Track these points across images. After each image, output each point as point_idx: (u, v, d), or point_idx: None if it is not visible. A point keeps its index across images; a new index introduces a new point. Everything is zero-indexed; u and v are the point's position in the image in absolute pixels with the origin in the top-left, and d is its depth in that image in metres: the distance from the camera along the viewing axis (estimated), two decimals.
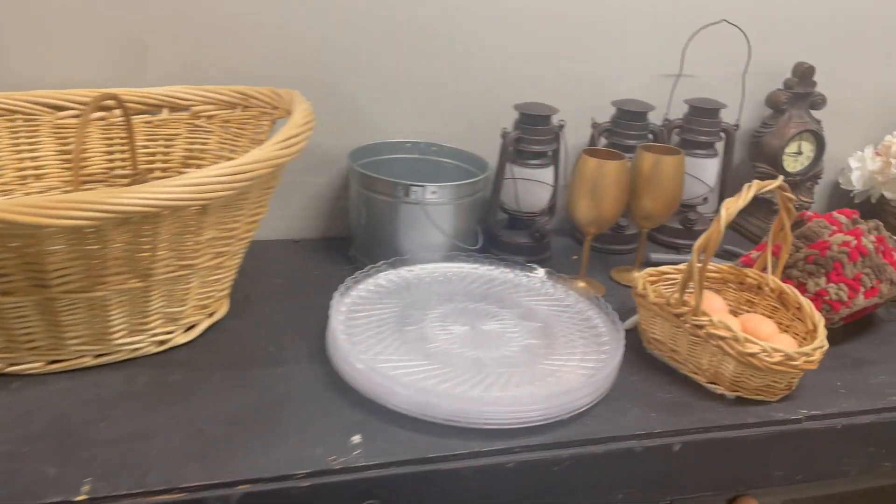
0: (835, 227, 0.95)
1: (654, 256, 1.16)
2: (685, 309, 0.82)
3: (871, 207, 1.36)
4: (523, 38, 1.15)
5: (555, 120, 1.10)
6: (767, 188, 0.82)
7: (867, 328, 1.01)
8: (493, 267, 1.01)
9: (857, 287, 0.91)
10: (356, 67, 1.09)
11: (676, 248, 1.22)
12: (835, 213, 0.97)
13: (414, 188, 0.98)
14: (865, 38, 1.32)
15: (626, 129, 1.15)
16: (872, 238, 0.94)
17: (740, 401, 0.82)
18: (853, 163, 1.35)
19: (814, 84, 1.24)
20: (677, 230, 1.23)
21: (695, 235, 1.19)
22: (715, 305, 0.93)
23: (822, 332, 0.83)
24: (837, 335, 0.96)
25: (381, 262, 0.97)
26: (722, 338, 0.80)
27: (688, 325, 0.82)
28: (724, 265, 0.97)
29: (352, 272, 0.93)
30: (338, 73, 1.09)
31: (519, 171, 1.09)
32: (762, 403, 0.82)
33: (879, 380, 0.89)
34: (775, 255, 0.94)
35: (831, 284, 0.92)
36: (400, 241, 1.02)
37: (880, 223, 0.98)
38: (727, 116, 1.21)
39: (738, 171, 1.34)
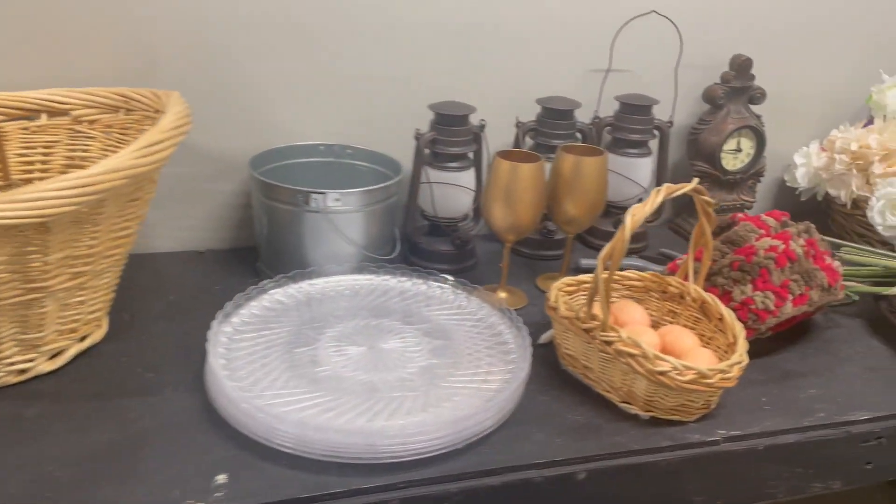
0: (762, 231, 0.90)
1: (585, 262, 1.10)
2: (594, 324, 0.76)
3: (818, 206, 1.31)
4: (444, 34, 1.08)
5: (475, 120, 1.04)
6: (679, 192, 0.76)
7: (802, 336, 0.95)
8: (404, 278, 0.95)
9: (784, 295, 0.85)
10: (262, 68, 1.02)
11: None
12: (763, 216, 0.92)
13: (314, 196, 0.91)
14: (810, 29, 1.26)
15: (551, 128, 1.09)
16: (802, 242, 0.88)
17: (655, 421, 0.76)
18: (798, 159, 1.30)
19: (752, 77, 1.18)
20: (611, 234, 1.16)
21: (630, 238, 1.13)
22: (636, 317, 0.87)
23: (741, 346, 0.77)
24: (767, 345, 0.91)
25: (280, 276, 0.90)
26: (631, 355, 0.73)
27: (597, 341, 0.76)
28: (647, 273, 0.91)
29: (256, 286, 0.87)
30: (244, 75, 1.01)
31: (436, 174, 1.03)
32: (678, 424, 0.76)
33: (808, 394, 0.83)
34: (698, 261, 0.88)
35: (757, 292, 0.86)
36: (305, 253, 0.95)
37: (811, 225, 0.92)
38: (662, 113, 1.15)
39: (678, 170, 1.28)
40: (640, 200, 1.20)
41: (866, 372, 0.88)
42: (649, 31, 1.12)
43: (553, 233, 1.13)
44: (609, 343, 0.75)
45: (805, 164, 1.29)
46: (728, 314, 0.81)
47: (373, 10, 1.04)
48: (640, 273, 0.91)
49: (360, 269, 0.95)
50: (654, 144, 1.17)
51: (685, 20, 1.16)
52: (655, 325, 0.88)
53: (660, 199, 0.73)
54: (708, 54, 1.20)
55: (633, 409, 0.77)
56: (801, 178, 1.29)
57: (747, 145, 1.21)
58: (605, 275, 0.74)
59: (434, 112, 1.01)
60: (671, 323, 0.88)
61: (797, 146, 1.31)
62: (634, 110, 1.13)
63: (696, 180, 0.78)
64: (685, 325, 0.87)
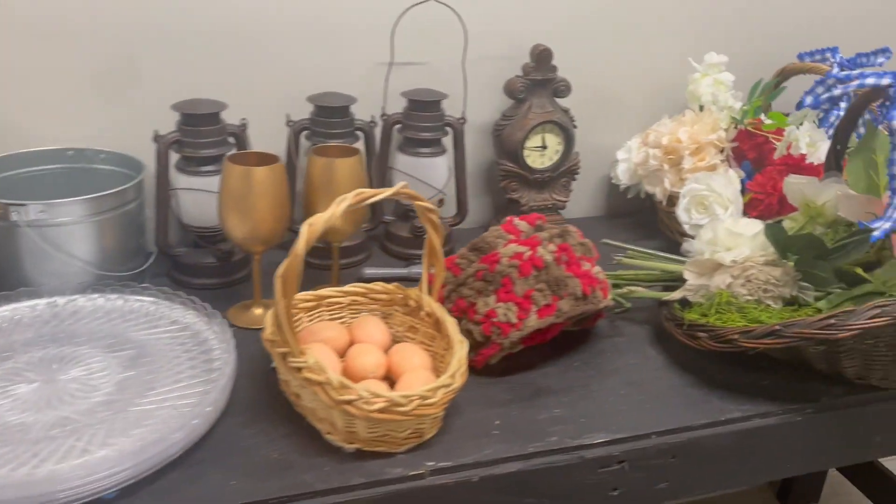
0: (512, 237, 0.82)
1: (369, 272, 1.02)
2: (285, 349, 0.68)
3: (644, 203, 1.25)
4: (206, 29, 0.99)
5: (234, 119, 0.95)
6: (377, 197, 0.68)
7: (573, 348, 0.88)
8: (115, 296, 0.85)
9: (527, 306, 0.78)
10: None
11: (407, 259, 1.08)
12: (516, 220, 0.84)
13: (14, 208, 0.82)
14: (627, 18, 1.20)
15: (327, 127, 1.00)
16: (553, 248, 0.81)
17: (359, 454, 0.68)
18: (620, 155, 1.23)
19: (553, 69, 1.11)
20: (407, 239, 1.09)
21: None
22: (373, 335, 0.79)
23: (453, 367, 0.69)
24: (529, 359, 0.84)
25: None
26: (317, 382, 0.65)
27: (291, 367, 0.68)
28: (392, 285, 0.83)
29: None
30: None
31: (188, 180, 0.94)
32: (385, 456, 0.68)
33: (552, 415, 0.76)
34: (449, 270, 0.81)
35: (500, 304, 0.79)
36: (21, 273, 0.85)
37: (570, 230, 0.85)
38: (466, 109, 1.08)
39: (489, 170, 1.21)
40: (441, 203, 1.13)
41: (625, 387, 0.81)
42: (445, 22, 1.04)
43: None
44: (298, 370, 0.67)
45: (626, 159, 1.22)
46: (453, 330, 0.74)
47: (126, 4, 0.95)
48: (385, 285, 0.83)
49: (55, 291, 0.84)
50: (451, 142, 1.10)
51: (489, 9, 1.09)
52: (398, 343, 0.80)
53: (342, 207, 0.65)
54: (514, 44, 1.13)
55: (337, 441, 0.69)
56: (622, 174, 1.23)
57: (553, 141, 1.13)
58: (284, 298, 0.65)
59: (179, 112, 0.92)
60: (411, 339, 0.80)
61: (624, 141, 1.25)
62: (423, 107, 1.05)
63: (402, 184, 0.70)
64: (422, 343, 0.79)
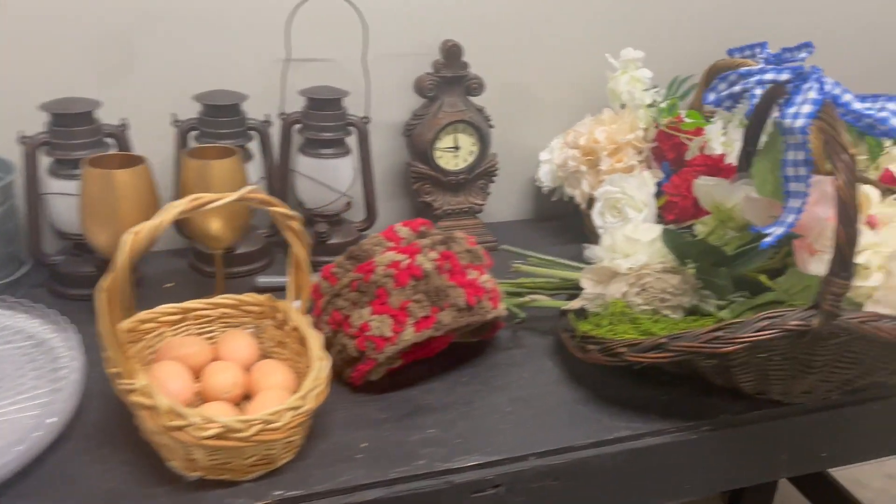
0: (392, 244, 0.77)
1: (262, 280, 0.97)
2: (117, 369, 0.62)
3: (568, 207, 1.20)
4: (78, 20, 0.94)
5: (115, 119, 0.90)
6: (217, 203, 0.62)
7: (466, 361, 0.83)
8: None
9: (403, 318, 0.73)
10: None
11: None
12: (398, 226, 0.79)
13: None
14: (545, 14, 1.15)
15: (215, 126, 0.95)
16: (434, 256, 0.76)
17: (203, 483, 0.63)
18: (543, 156, 1.18)
19: (464, 66, 1.06)
20: (310, 246, 1.03)
21: (331, 251, 1.00)
22: (238, 352, 0.74)
23: (306, 387, 0.63)
24: (415, 374, 0.79)
25: None
26: (147, 407, 0.60)
27: (123, 390, 0.62)
28: (263, 297, 0.78)
29: None
30: None
31: (60, 184, 0.88)
32: (229, 485, 0.63)
33: (425, 436, 0.71)
34: (326, 279, 0.75)
35: (375, 316, 0.73)
36: None
37: (456, 236, 0.79)
38: (370, 107, 1.03)
39: (405, 172, 1.15)
40: (348, 206, 1.08)
41: (511, 403, 0.76)
42: (351, 17, 0.99)
43: (231, 249, 0.99)
44: (128, 393, 0.61)
45: (549, 161, 1.17)
46: (315, 346, 0.68)
47: None
48: (257, 296, 0.78)
49: None
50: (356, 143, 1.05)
51: (398, 4, 1.04)
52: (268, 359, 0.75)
53: (170, 216, 0.59)
54: (426, 40, 1.08)
55: (178, 469, 0.63)
56: (544, 176, 1.18)
57: (467, 142, 1.08)
58: (107, 311, 0.60)
59: (48, 112, 0.86)
60: (279, 356, 0.75)
61: (549, 141, 1.20)
62: (323, 105, 0.99)
63: (250, 187, 0.65)
64: (289, 359, 0.74)
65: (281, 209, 0.67)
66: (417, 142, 1.08)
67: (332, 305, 0.76)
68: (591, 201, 1.09)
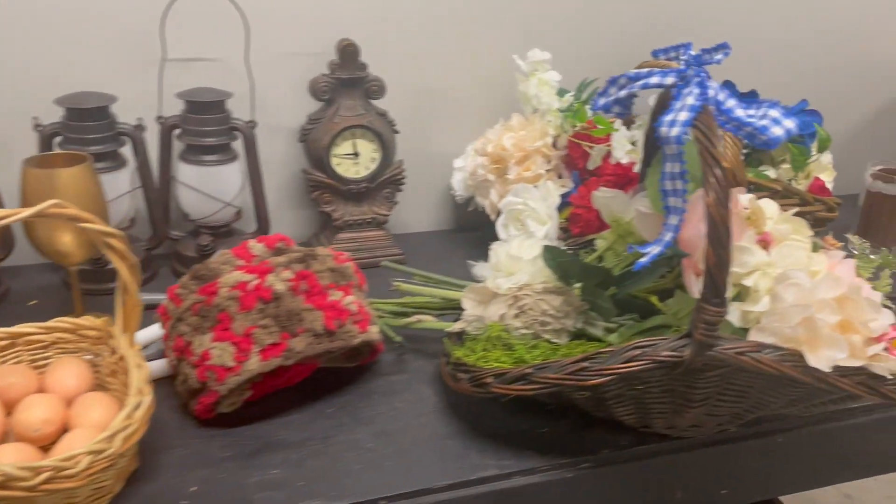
0: (242, 262, 0.70)
1: (146, 297, 0.89)
2: None
3: (488, 218, 1.13)
4: None
5: None
6: (11, 220, 0.55)
7: (344, 388, 0.76)
8: None
9: (247, 346, 0.66)
10: None
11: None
12: (251, 242, 0.72)
13: None
14: (458, 15, 1.08)
15: (81, 132, 0.87)
16: (289, 275, 0.69)
17: None
18: (458, 163, 1.11)
19: (363, 67, 0.99)
20: (194, 259, 0.95)
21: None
22: (64, 382, 0.66)
23: (115, 426, 0.56)
24: (281, 403, 0.72)
25: None
26: None
27: None
28: (101, 320, 0.70)
29: None
30: None
31: None
32: None
33: (267, 477, 0.63)
34: (173, 300, 0.68)
35: (216, 343, 0.66)
36: None
37: (319, 253, 0.72)
38: (256, 110, 0.95)
39: (304, 179, 1.08)
40: (238, 215, 1.01)
41: (374, 439, 0.69)
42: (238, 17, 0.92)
43: (100, 261, 0.92)
44: None
45: (462, 168, 1.11)
46: (136, 379, 0.61)
47: None
48: (95, 320, 0.70)
49: None
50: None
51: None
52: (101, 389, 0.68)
53: None
54: (325, 40, 1.01)
55: None
56: (457, 185, 1.11)
57: (367, 148, 1.01)
58: None
59: None
60: (110, 387, 0.68)
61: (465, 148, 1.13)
62: (203, 108, 0.92)
63: (51, 202, 0.58)
64: (118, 391, 0.66)
65: (96, 226, 0.60)
66: (313, 148, 1.00)
67: (175, 331, 0.69)
68: (499, 213, 1.02)
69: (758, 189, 0.97)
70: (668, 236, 0.63)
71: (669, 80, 0.67)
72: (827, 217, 1.04)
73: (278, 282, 0.68)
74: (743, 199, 0.69)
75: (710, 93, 0.63)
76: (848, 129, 1.35)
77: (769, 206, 0.69)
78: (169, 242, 1.00)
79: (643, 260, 0.62)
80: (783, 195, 0.99)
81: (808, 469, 0.78)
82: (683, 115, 0.60)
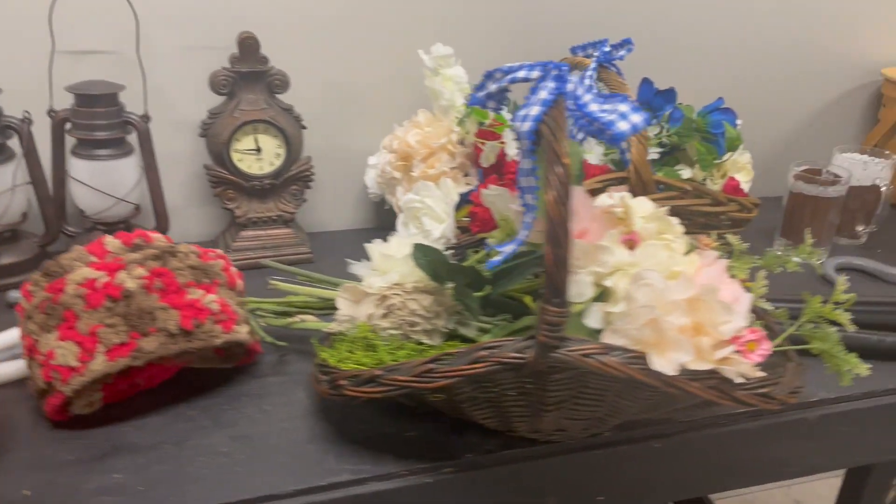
0: (95, 258, 0.68)
1: (13, 296, 0.87)
2: None
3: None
4: None
5: None
6: None
7: (207, 391, 0.73)
8: None
9: (91, 346, 0.63)
10: None
11: None
12: (108, 238, 0.69)
13: None
14: (364, 8, 1.06)
15: None
16: (142, 273, 0.66)
17: None
18: (371, 160, 1.09)
19: (264, 60, 0.96)
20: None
21: None
22: None
23: None
24: (134, 406, 0.69)
25: None
26: None
27: None
28: None
29: None
30: None
31: None
32: None
33: (107, 482, 0.61)
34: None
35: (61, 342, 0.64)
36: None
37: (180, 250, 0.69)
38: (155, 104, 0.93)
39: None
40: (137, 211, 0.98)
41: (231, 443, 0.67)
42: (137, 6, 0.89)
43: None
44: None
45: (376, 165, 1.08)
46: None
47: None
48: None
49: None
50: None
51: None
52: None
53: None
54: (227, 33, 0.98)
55: None
56: (370, 182, 1.09)
57: (271, 143, 0.99)
58: None
59: None
60: None
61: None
62: (93, 101, 0.90)
63: None
64: None
65: None
66: (213, 143, 0.98)
67: (25, 329, 0.67)
68: None
69: (667, 188, 0.96)
70: (522, 234, 0.61)
71: (535, 73, 0.65)
72: (743, 217, 1.02)
73: (130, 279, 0.65)
74: (615, 197, 0.67)
75: (569, 87, 0.61)
76: (781, 132, 1.33)
77: (642, 205, 0.67)
78: (66, 239, 0.98)
79: (495, 259, 0.60)
80: (694, 195, 0.98)
81: (692, 475, 0.76)
82: (535, 110, 0.58)
